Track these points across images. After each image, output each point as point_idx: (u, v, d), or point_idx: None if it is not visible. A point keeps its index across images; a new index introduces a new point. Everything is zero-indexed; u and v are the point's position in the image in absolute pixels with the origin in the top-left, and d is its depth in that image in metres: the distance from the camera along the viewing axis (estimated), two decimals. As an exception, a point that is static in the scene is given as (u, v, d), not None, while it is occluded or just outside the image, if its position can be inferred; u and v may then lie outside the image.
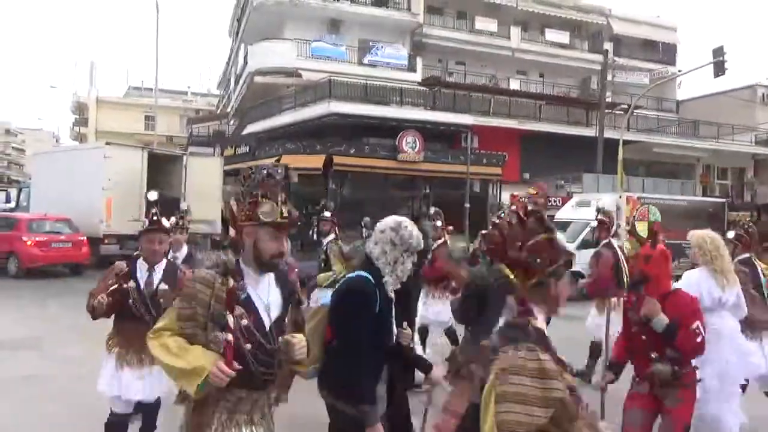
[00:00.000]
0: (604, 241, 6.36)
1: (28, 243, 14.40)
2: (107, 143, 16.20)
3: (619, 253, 6.15)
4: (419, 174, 20.92)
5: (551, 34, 31.47)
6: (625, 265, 5.93)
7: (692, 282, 4.17)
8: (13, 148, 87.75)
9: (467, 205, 19.31)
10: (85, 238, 15.19)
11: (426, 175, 21.03)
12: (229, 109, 36.50)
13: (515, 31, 30.48)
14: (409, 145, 20.06)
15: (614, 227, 6.53)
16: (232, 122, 38.43)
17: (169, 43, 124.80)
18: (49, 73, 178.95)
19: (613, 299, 5.67)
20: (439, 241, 6.52)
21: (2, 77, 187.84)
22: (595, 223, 6.89)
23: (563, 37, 31.75)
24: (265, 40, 26.07)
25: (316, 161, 18.98)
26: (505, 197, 22.23)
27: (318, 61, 25.33)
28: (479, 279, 3.52)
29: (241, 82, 29.60)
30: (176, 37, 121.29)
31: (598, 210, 6.63)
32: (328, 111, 20.56)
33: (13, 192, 27.43)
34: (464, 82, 28.20)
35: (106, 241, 15.50)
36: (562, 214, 16.07)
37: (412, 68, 27.12)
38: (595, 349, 6.34)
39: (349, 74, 24.16)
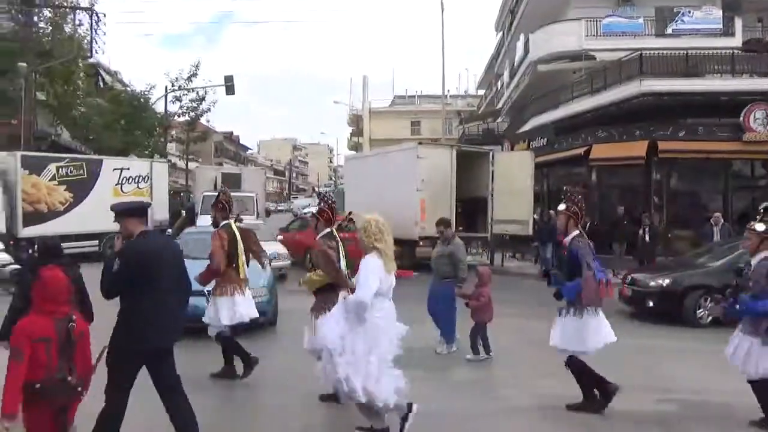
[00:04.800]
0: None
1: None
2: (419, 143, 16.04)
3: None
4: (770, 157, 16.71)
5: None
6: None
7: (371, 266, 4.33)
8: (299, 161, 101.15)
9: None
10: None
11: (779, 158, 16.74)
12: (501, 105, 35.51)
13: None
14: (758, 122, 16.11)
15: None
16: (500, 119, 37.50)
17: (427, 49, 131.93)
18: (331, 91, 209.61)
19: None
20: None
21: (293, 99, 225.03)
22: None
23: None
24: (547, 25, 24.23)
25: (634, 149, 16.41)
26: None
27: (610, 39, 22.61)
28: None
29: (518, 74, 28.21)
30: (433, 42, 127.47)
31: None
32: (638, 91, 17.73)
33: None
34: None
35: (421, 243, 15.23)
36: None
37: (728, 32, 22.54)
38: None
39: (648, 49, 20.89)
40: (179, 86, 26.63)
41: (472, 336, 7.25)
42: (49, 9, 21.08)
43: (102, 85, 28.57)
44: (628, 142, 16.82)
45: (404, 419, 4.49)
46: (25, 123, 18.34)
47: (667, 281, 9.43)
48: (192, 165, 41.19)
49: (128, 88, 25.82)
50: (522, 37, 27.29)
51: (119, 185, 18.10)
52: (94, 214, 15.73)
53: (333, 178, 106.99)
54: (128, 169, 18.49)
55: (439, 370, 6.71)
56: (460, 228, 16.11)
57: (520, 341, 8.36)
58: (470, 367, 6.92)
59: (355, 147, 59.99)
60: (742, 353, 4.96)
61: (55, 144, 22.40)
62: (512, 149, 22.57)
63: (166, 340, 4.07)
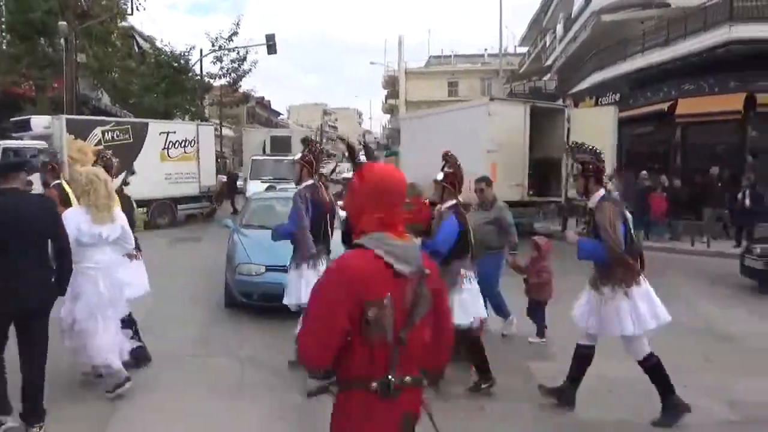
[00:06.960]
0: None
1: None
2: (491, 99, 14.75)
3: None
4: None
5: None
6: None
7: (68, 217, 4.34)
8: (329, 125, 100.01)
9: None
10: (427, 201, 14.71)
11: None
12: (550, 62, 33.64)
13: None
14: None
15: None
16: (548, 76, 35.62)
17: (464, 7, 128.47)
18: (364, 55, 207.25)
19: None
20: None
21: (324, 64, 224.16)
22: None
23: None
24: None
25: (729, 102, 14.88)
26: None
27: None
28: None
29: (575, 26, 26.41)
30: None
31: None
32: (728, 38, 16.02)
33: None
34: None
35: (492, 209, 14.13)
36: None
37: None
38: None
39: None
40: (219, 46, 25.55)
41: (534, 317, 6.45)
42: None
43: (137, 50, 27.62)
44: (721, 94, 15.21)
45: (117, 386, 4.47)
46: (67, 86, 17.51)
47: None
48: (225, 130, 40.38)
49: (167, 49, 24.79)
50: (580, -14, 25.43)
51: (166, 149, 17.27)
52: (140, 180, 14.90)
53: (361, 142, 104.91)
54: (174, 132, 17.60)
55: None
56: (531, 192, 14.96)
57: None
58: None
59: (391, 109, 58.50)
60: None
61: (96, 108, 21.64)
62: (576, 107, 21.04)
63: (17, 305, 3.88)
